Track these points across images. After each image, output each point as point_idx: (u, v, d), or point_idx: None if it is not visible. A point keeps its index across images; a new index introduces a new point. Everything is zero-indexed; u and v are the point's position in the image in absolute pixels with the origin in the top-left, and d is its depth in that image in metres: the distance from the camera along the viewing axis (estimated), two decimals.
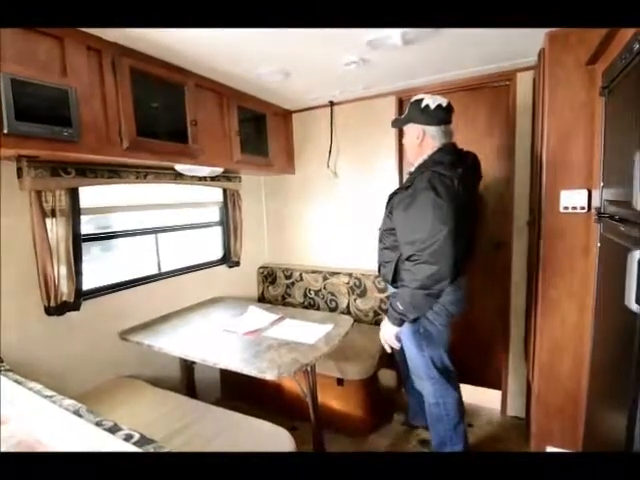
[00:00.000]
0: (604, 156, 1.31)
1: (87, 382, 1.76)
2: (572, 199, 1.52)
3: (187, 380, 2.21)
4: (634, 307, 0.82)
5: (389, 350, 1.64)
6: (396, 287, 1.58)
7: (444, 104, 1.50)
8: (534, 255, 1.73)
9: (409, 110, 1.57)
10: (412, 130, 1.56)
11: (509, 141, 2.14)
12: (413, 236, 1.39)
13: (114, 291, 1.95)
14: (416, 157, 1.58)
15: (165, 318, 2.08)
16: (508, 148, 2.15)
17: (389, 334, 1.57)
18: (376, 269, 1.78)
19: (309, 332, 1.76)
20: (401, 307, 1.45)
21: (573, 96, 1.49)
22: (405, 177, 1.74)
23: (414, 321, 1.56)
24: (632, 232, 0.95)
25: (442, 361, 1.68)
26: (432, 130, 1.51)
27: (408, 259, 1.42)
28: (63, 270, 1.62)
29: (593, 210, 1.44)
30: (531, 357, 1.76)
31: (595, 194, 1.45)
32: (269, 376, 1.37)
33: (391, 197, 1.64)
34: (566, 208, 1.54)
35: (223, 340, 1.75)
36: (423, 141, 1.54)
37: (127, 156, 1.60)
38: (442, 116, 1.50)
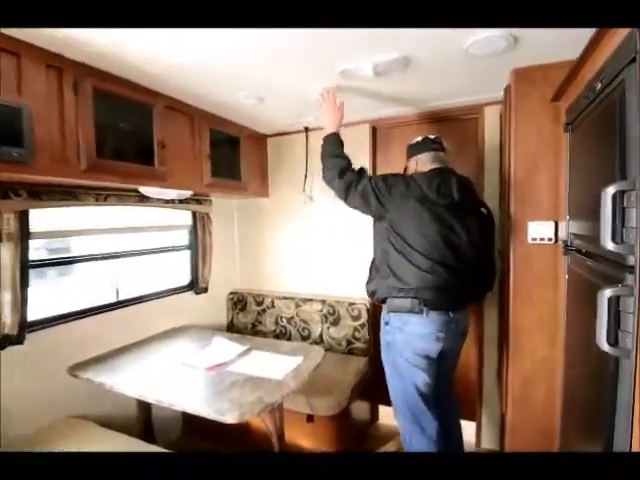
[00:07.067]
0: (569, 190, 1.33)
1: (30, 423, 1.57)
2: (539, 230, 1.54)
3: (144, 418, 2.03)
4: (605, 347, 0.80)
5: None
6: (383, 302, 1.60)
7: (431, 137, 1.68)
8: (505, 285, 1.73)
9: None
10: (411, 164, 1.71)
11: (478, 172, 2.17)
12: None
13: (66, 321, 1.79)
14: None
15: (122, 350, 1.92)
16: (477, 179, 2.18)
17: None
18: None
19: (277, 366, 1.66)
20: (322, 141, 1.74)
21: (539, 130, 1.53)
22: None
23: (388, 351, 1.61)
24: (600, 268, 0.95)
25: (412, 399, 1.56)
26: (423, 157, 1.65)
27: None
28: (7, 299, 1.49)
29: (560, 242, 1.46)
30: (504, 388, 1.73)
31: (562, 226, 1.47)
32: (230, 419, 1.26)
33: None
34: (534, 239, 1.55)
35: (183, 376, 1.62)
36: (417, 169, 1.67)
37: (85, 178, 1.51)
38: (430, 145, 1.66)
